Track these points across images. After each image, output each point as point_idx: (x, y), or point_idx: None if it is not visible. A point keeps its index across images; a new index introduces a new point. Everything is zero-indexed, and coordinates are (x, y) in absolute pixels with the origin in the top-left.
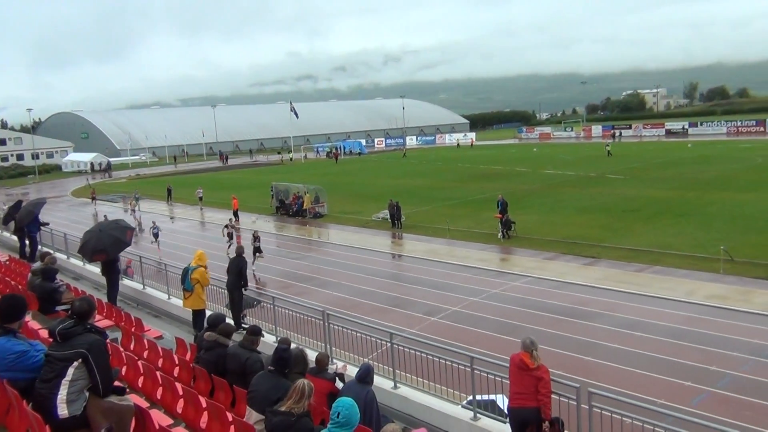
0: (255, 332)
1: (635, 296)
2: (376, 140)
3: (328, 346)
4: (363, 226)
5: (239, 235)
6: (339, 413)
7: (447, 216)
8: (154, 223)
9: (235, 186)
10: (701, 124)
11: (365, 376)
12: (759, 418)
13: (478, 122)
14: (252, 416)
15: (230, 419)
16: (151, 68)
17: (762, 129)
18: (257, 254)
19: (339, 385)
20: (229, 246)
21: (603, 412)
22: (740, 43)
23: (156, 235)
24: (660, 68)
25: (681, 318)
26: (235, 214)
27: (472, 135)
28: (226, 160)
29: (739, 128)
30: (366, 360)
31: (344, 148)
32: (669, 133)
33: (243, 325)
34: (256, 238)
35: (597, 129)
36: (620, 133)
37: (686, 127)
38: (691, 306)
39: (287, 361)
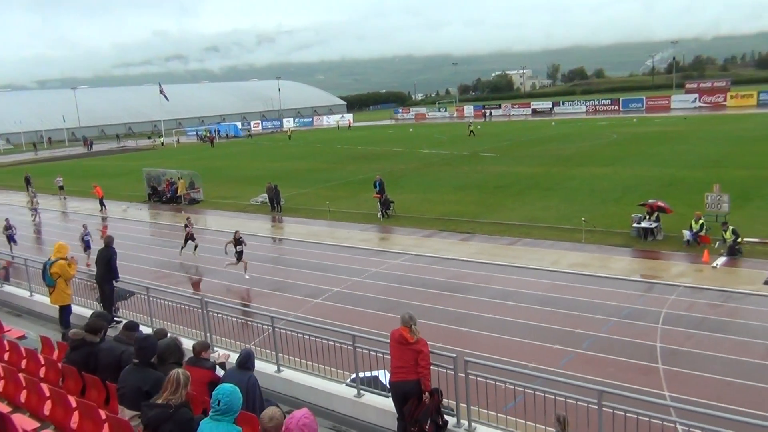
0: (130, 327)
1: (507, 268)
2: (252, 123)
3: (208, 335)
4: (242, 211)
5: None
6: (219, 401)
7: (327, 198)
8: (7, 221)
9: (103, 173)
10: (563, 104)
11: (245, 361)
12: (619, 373)
13: (355, 103)
14: (125, 412)
15: (103, 417)
16: None
17: (617, 107)
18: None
19: (220, 373)
20: (196, 248)
21: (478, 379)
22: (596, 27)
23: (11, 238)
24: (525, 50)
25: (548, 286)
26: (101, 203)
27: (350, 116)
28: (91, 146)
29: (597, 107)
30: (247, 346)
31: (219, 131)
32: (535, 112)
33: (116, 318)
34: (238, 241)
35: (469, 109)
36: (491, 113)
37: (550, 106)
38: (557, 274)
39: (149, 351)
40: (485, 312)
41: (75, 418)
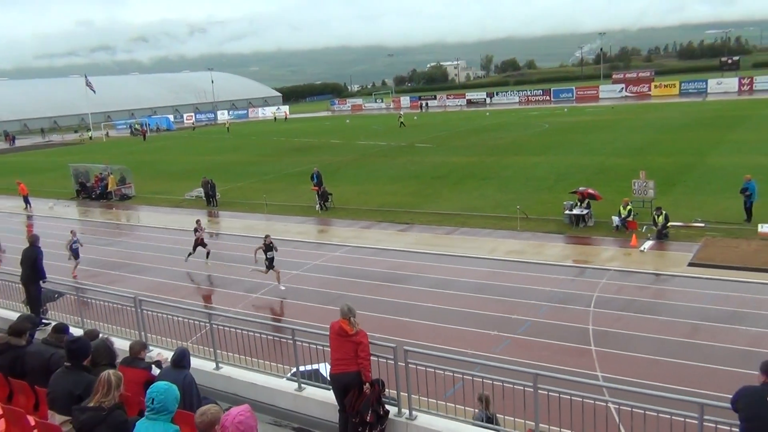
0: (60, 329)
1: (445, 257)
2: (185, 115)
3: (143, 334)
4: (176, 206)
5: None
6: (153, 399)
7: (264, 191)
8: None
9: (27, 169)
10: (497, 94)
11: (180, 360)
12: (554, 356)
13: (290, 95)
14: (56, 418)
15: (32, 423)
16: None
17: (548, 98)
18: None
19: (156, 372)
20: (208, 255)
21: (418, 367)
22: (528, 19)
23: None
24: (459, 41)
25: (486, 273)
26: (26, 200)
27: (286, 108)
28: (13, 141)
29: (529, 97)
30: (182, 344)
31: (149, 124)
32: (470, 102)
33: (44, 320)
34: (269, 246)
35: (405, 100)
36: (427, 104)
37: (485, 97)
38: (494, 262)
39: (80, 353)
40: (425, 301)
41: (1, 425)
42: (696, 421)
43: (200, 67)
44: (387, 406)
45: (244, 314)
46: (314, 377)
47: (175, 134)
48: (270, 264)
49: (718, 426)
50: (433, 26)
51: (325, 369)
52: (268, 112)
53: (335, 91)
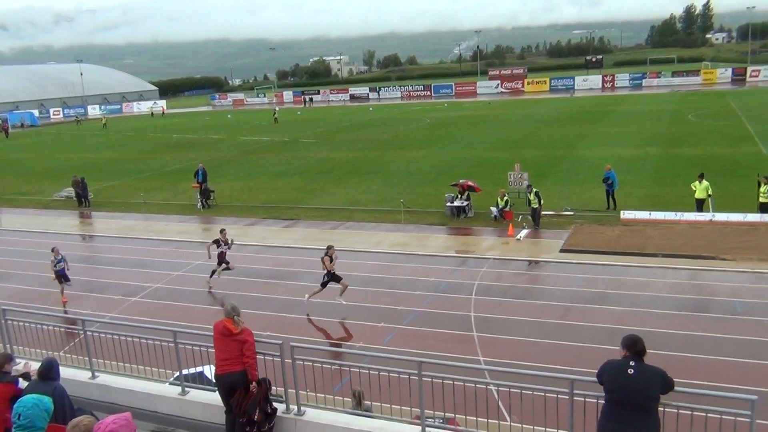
0: None
1: None
2: (51, 110)
3: (8, 346)
4: (45, 208)
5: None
6: (20, 414)
7: (141, 189)
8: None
9: None
10: (380, 90)
11: (47, 371)
12: (439, 344)
13: (168, 89)
14: None
15: None
16: None
17: (429, 93)
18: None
19: (24, 385)
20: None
21: (305, 363)
22: (410, 16)
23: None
24: (342, 36)
25: (372, 267)
26: None
27: (163, 103)
28: None
29: (411, 93)
30: (51, 354)
31: (9, 120)
32: (353, 98)
33: None
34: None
35: (288, 95)
36: (311, 99)
37: (368, 92)
38: (380, 255)
39: None
40: (313, 297)
41: None
42: (567, 397)
43: (68, 58)
44: (275, 404)
45: (121, 319)
46: (198, 380)
47: (42, 130)
48: (332, 276)
49: (587, 399)
50: (316, 20)
51: (210, 371)
52: (144, 107)
53: (216, 86)
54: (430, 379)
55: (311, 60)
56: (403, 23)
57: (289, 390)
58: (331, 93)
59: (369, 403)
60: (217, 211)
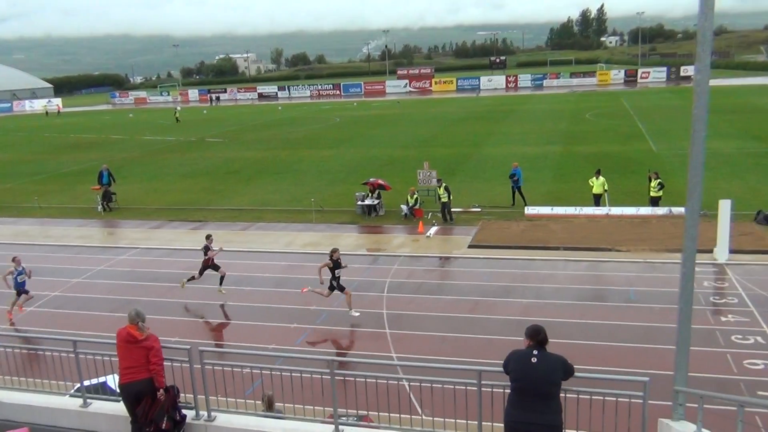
0: None
1: (242, 253)
2: None
3: None
4: None
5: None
6: None
7: (35, 192)
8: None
9: None
10: (289, 88)
11: None
12: (352, 342)
13: (64, 87)
14: None
15: None
16: None
17: (338, 92)
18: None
19: None
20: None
21: (215, 368)
22: (318, 14)
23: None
24: (249, 34)
25: (283, 267)
26: None
27: (58, 101)
28: None
29: (320, 92)
30: None
31: None
32: (261, 96)
33: None
34: (337, 263)
35: (194, 93)
36: (218, 98)
37: (276, 90)
38: (291, 255)
39: None
40: (221, 300)
41: None
42: (475, 388)
43: None
44: (184, 411)
45: (16, 330)
46: (101, 390)
47: None
48: (338, 285)
49: (494, 389)
50: (221, 17)
51: (113, 380)
52: (37, 105)
53: (116, 83)
54: (342, 378)
55: (217, 57)
56: (311, 22)
57: (199, 396)
58: (239, 92)
59: (281, 405)
60: (119, 214)
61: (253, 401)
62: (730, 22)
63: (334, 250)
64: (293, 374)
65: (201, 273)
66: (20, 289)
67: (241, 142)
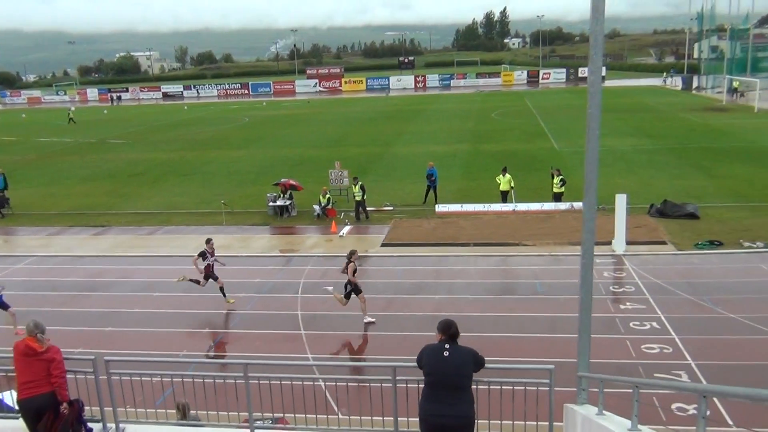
0: None
1: (150, 258)
2: None
3: None
4: None
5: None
6: None
7: None
8: None
9: None
10: (194, 88)
11: None
12: (267, 345)
13: None
14: None
15: None
16: None
17: (246, 91)
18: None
19: None
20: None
21: (123, 378)
22: (224, 12)
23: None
24: (151, 31)
25: (193, 272)
26: None
27: None
28: None
29: (228, 91)
30: None
31: None
32: (166, 96)
33: None
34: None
35: (93, 92)
36: (119, 97)
37: (181, 90)
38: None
39: None
40: (129, 307)
41: None
42: (390, 385)
43: None
44: (90, 425)
45: None
46: None
47: None
48: (355, 290)
49: (408, 385)
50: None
51: (11, 396)
52: None
53: (6, 82)
54: (257, 381)
55: (117, 55)
56: (216, 19)
57: (106, 408)
58: (142, 91)
59: (195, 412)
60: (14, 221)
61: (164, 410)
62: (623, 26)
63: (353, 252)
64: (206, 380)
65: (206, 279)
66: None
67: (145, 144)
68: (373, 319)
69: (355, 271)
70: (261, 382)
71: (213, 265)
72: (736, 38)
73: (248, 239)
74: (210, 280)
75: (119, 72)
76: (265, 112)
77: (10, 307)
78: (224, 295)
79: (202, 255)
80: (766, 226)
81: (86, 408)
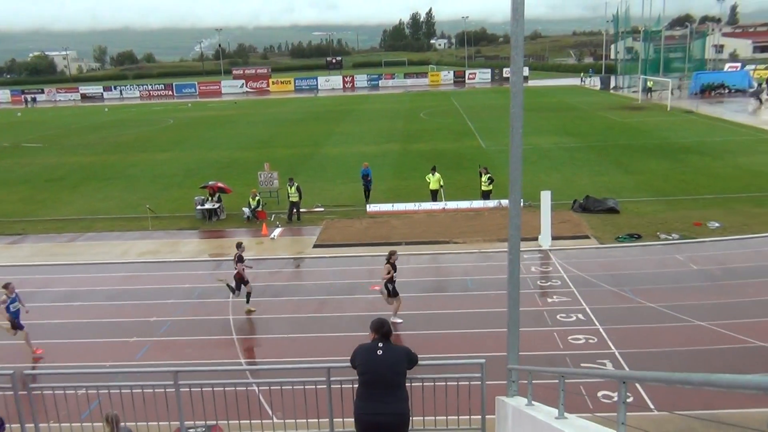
0: None
1: (71, 266)
2: None
3: None
4: None
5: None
6: None
7: None
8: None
9: None
10: (115, 88)
11: None
12: (197, 352)
13: None
14: None
15: None
16: None
17: (170, 92)
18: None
19: None
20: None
21: (45, 392)
22: (145, 10)
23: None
24: (67, 29)
25: (119, 279)
26: None
27: None
28: None
29: (151, 92)
30: None
31: None
32: (85, 97)
33: None
34: (394, 265)
35: (5, 93)
36: (34, 99)
37: (101, 91)
38: (127, 265)
39: None
40: (49, 318)
41: None
42: (325, 386)
43: None
44: None
45: None
46: None
47: None
48: (393, 289)
49: (343, 385)
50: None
51: None
52: None
53: None
54: (188, 389)
55: (31, 55)
56: (137, 18)
57: (27, 425)
58: (58, 92)
59: (125, 424)
60: None
61: (91, 424)
62: (544, 28)
63: (393, 253)
64: (134, 390)
65: (238, 287)
66: (15, 321)
67: (63, 147)
68: (401, 320)
69: (389, 272)
70: (192, 389)
71: (243, 271)
72: (649, 40)
73: (176, 244)
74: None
75: (33, 72)
76: (190, 114)
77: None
78: (248, 299)
79: (240, 259)
80: (680, 218)
81: (6, 426)
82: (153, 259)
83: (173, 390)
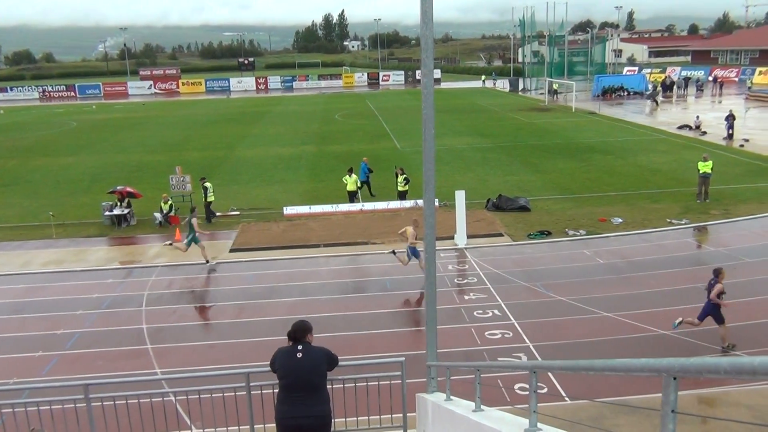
0: None
1: None
2: None
3: None
4: None
5: None
6: None
7: None
8: None
9: None
10: (11, 89)
11: None
12: (109, 363)
13: None
14: None
15: None
16: None
17: (73, 94)
18: None
19: None
20: None
21: None
22: (44, 7)
23: None
24: None
25: (20, 291)
26: None
27: None
28: None
29: (51, 93)
30: None
31: None
32: None
33: None
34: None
35: None
36: None
37: None
38: (30, 276)
39: None
40: None
41: None
42: (244, 392)
43: None
44: None
45: None
46: None
47: None
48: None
49: (263, 390)
50: None
51: None
52: None
53: None
54: (100, 403)
55: None
56: (35, 15)
57: None
58: None
59: None
60: None
61: None
62: (454, 32)
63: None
64: (41, 407)
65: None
66: None
67: None
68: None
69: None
70: (105, 403)
71: None
72: (553, 44)
73: (83, 252)
74: None
75: None
76: (95, 116)
77: None
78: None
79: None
80: (587, 215)
81: None
82: (58, 269)
83: (84, 404)
